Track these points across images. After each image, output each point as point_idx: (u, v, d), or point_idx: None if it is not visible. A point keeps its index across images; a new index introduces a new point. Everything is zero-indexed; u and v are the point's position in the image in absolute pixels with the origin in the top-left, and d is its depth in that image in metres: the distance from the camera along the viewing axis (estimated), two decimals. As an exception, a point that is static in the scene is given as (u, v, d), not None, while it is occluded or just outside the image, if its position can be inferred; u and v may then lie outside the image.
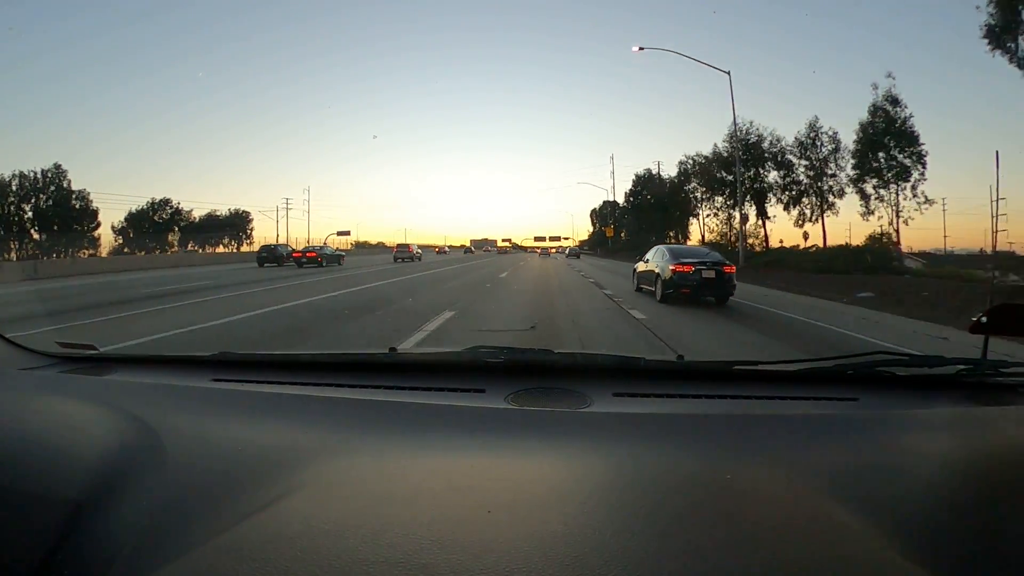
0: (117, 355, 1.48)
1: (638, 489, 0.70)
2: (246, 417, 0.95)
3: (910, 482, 0.73)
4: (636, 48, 28.60)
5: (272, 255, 29.08)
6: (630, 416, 0.99)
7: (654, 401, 1.08)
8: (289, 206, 70.87)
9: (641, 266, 12.59)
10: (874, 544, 0.56)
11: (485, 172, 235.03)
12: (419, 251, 44.28)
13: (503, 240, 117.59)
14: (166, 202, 59.94)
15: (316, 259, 27.60)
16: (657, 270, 10.93)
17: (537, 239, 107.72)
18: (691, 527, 0.60)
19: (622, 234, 60.44)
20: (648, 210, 51.13)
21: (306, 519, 0.60)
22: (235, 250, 60.40)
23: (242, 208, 69.78)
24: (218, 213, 67.47)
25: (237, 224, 68.02)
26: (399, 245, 42.44)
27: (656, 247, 12.21)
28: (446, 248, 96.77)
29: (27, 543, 0.53)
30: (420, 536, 0.56)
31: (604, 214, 71.45)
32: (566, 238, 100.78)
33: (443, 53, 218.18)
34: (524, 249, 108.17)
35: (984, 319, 1.08)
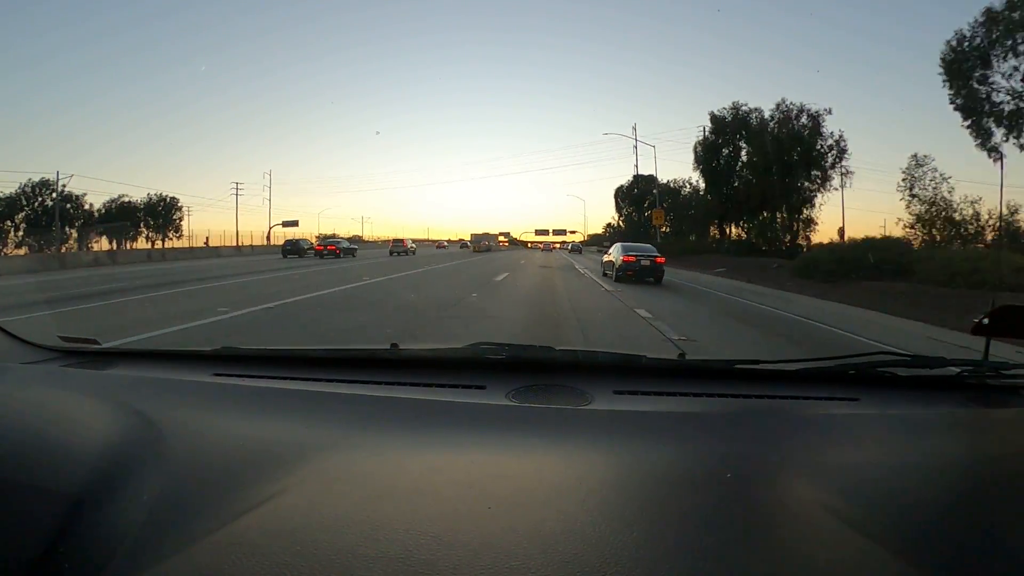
0: (119, 349, 1.49)
1: (638, 487, 0.70)
2: (247, 412, 0.95)
3: (911, 483, 0.73)
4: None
5: (295, 248, 34.71)
6: (630, 414, 0.99)
7: (655, 399, 1.08)
8: (242, 191, 60.52)
9: (606, 257, 17.71)
10: (875, 545, 0.56)
11: (486, 161, 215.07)
12: (413, 245, 45.72)
13: (501, 235, 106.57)
14: (46, 184, 43.89)
15: (335, 251, 33.81)
16: (614, 259, 15.66)
17: (539, 232, 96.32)
18: (691, 526, 0.60)
19: (663, 227, 37.99)
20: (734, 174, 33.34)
21: (306, 514, 0.60)
22: (153, 246, 48.10)
23: (170, 194, 57.12)
24: (130, 199, 52.82)
25: (160, 213, 54.19)
26: (394, 240, 44.91)
27: (616, 244, 17.58)
28: (445, 243, 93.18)
29: (28, 536, 0.53)
30: (420, 532, 0.56)
31: (637, 194, 51.31)
32: (572, 231, 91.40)
33: (437, 37, 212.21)
34: (525, 245, 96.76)
35: (986, 321, 1.08)
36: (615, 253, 15.71)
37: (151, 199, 55.05)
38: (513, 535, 0.56)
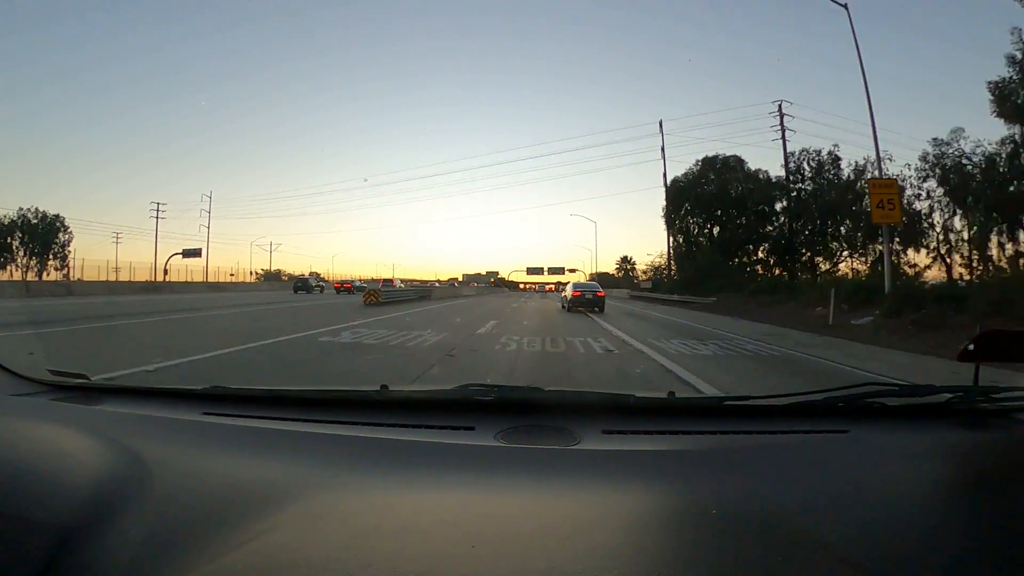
0: (108, 385, 1.49)
1: (623, 526, 0.70)
2: (236, 451, 0.95)
3: (902, 513, 0.73)
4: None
5: (304, 285, 38.89)
6: (619, 453, 0.98)
7: (643, 438, 1.08)
8: (166, 216, 50.19)
9: (564, 292, 21.96)
10: None
11: (475, 200, 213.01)
12: (318, 284, 44.79)
13: (488, 273, 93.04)
14: None
15: (350, 288, 39.98)
16: (567, 295, 20.24)
17: (531, 271, 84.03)
18: (678, 564, 0.60)
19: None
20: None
21: (293, 553, 0.61)
22: (25, 276, 37.90)
23: (55, 213, 45.19)
24: None
25: (38, 235, 42.87)
26: (341, 281, 47.14)
27: (570, 283, 22.43)
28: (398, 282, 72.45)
29: (16, 568, 0.53)
30: (404, 570, 0.56)
31: (708, 191, 36.74)
32: (572, 270, 77.20)
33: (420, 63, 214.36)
34: (517, 286, 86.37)
35: (972, 347, 1.09)
36: (568, 289, 20.73)
37: (24, 217, 43.11)
38: (496, 572, 0.57)
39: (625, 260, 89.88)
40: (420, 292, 31.03)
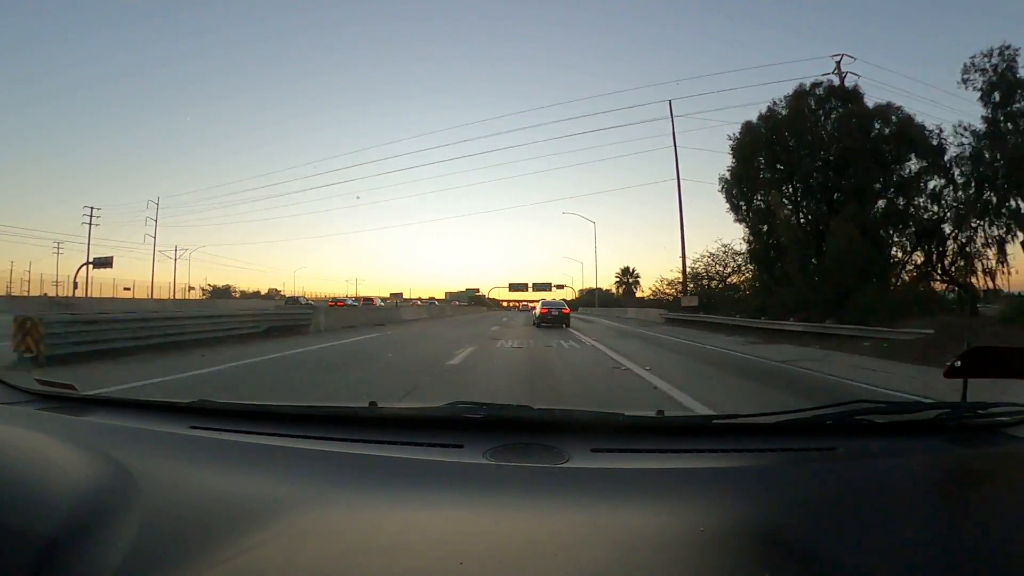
0: (96, 396, 1.48)
1: (612, 544, 0.70)
2: (223, 466, 0.95)
3: (891, 530, 0.73)
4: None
5: (296, 303, 38.92)
6: (607, 471, 0.99)
7: (632, 456, 1.08)
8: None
9: (534, 309, 25.83)
10: None
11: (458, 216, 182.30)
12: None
13: (468, 291, 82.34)
14: None
15: (344, 306, 39.05)
16: (536, 311, 23.59)
17: (513, 287, 75.63)
18: None
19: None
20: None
21: (279, 569, 0.61)
22: None
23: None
24: None
25: None
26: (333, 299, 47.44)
27: (540, 301, 25.43)
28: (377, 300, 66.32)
29: None
30: None
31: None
32: (559, 286, 73.84)
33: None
34: (500, 304, 79.28)
35: (959, 363, 1.10)
36: (538, 308, 23.82)
37: None
38: None
39: (627, 272, 72.54)
40: (374, 311, 26.18)
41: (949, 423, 1.15)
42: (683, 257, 28.20)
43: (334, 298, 48.85)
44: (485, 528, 0.75)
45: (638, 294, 61.24)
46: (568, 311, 22.33)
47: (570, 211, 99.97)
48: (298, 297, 40.54)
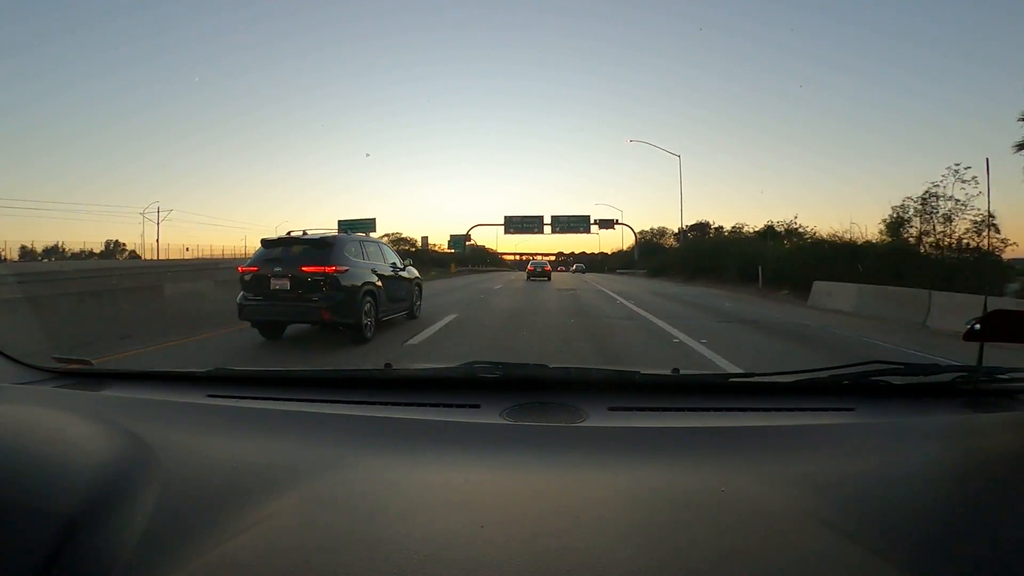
0: (112, 370, 1.49)
1: (631, 504, 0.70)
2: (241, 433, 0.95)
3: (906, 491, 0.73)
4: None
5: None
6: (625, 430, 0.99)
7: (649, 415, 1.08)
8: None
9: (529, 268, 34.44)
10: (871, 555, 0.56)
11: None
12: None
13: (454, 239, 61.15)
14: None
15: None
16: (530, 268, 33.08)
17: (511, 224, 54.66)
18: (684, 541, 0.60)
19: None
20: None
21: (300, 534, 0.61)
22: None
23: None
24: None
25: None
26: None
27: (530, 260, 39.14)
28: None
29: (22, 558, 0.53)
30: (413, 551, 0.56)
31: None
32: (607, 222, 54.92)
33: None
34: (500, 257, 67.21)
35: (978, 327, 1.09)
36: (528, 267, 33.71)
37: None
38: (506, 553, 0.57)
39: (699, 228, 50.36)
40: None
41: (965, 387, 1.14)
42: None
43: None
44: (505, 489, 0.75)
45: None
46: (549, 268, 33.25)
47: (640, 139, 75.75)
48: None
